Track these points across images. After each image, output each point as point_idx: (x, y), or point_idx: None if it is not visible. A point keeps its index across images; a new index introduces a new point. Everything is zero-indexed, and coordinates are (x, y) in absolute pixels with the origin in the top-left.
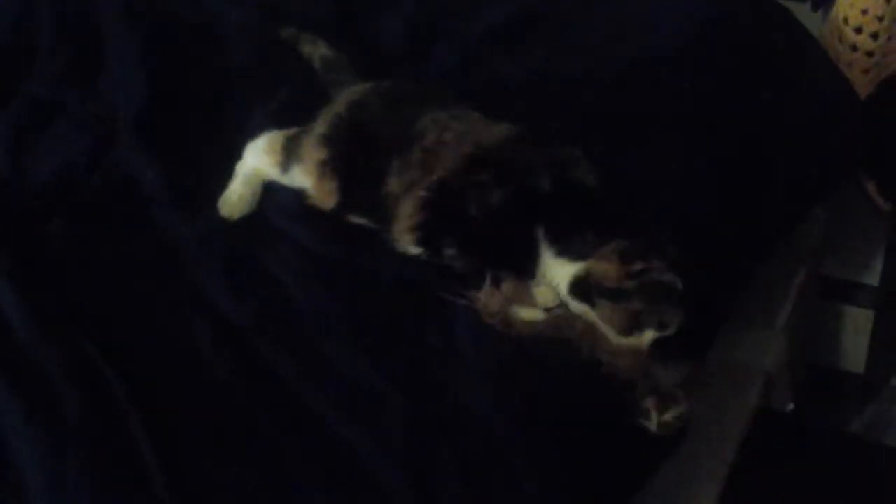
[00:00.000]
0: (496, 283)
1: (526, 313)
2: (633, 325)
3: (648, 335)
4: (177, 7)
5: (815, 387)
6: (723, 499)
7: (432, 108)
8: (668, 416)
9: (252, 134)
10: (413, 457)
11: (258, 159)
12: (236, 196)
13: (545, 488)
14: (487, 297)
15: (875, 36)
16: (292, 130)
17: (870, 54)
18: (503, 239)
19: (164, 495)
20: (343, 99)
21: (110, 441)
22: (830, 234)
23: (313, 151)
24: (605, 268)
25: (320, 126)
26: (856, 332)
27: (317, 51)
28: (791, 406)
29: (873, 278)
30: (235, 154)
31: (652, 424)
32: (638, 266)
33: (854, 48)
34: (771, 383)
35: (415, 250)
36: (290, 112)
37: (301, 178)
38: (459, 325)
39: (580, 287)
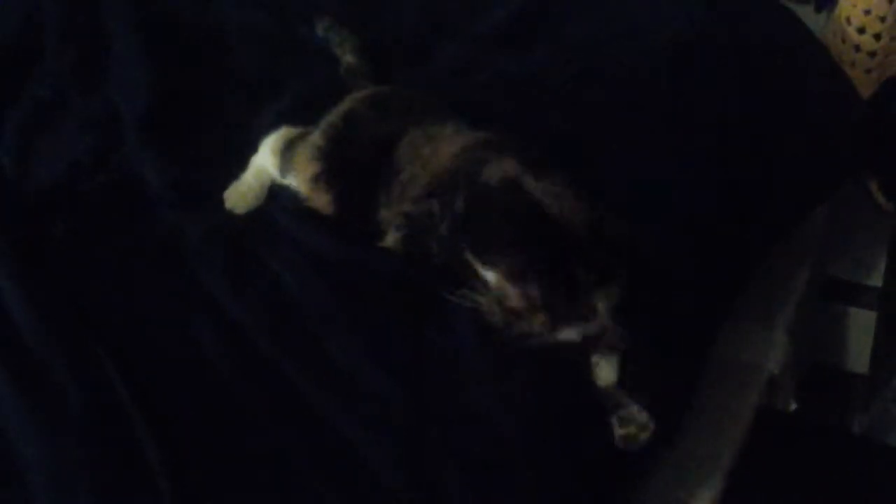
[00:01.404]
0: None
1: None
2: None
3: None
4: (181, 7)
5: (818, 387)
6: (725, 498)
7: (416, 123)
8: (624, 431)
9: (260, 133)
10: (413, 454)
11: (265, 156)
12: (244, 188)
13: (545, 485)
14: (489, 304)
15: (878, 36)
16: (299, 131)
17: (872, 54)
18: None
19: (166, 491)
20: (340, 109)
21: (113, 438)
22: (833, 235)
23: (307, 165)
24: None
25: (317, 137)
26: (859, 332)
27: (344, 54)
28: (794, 406)
29: (876, 279)
30: (239, 153)
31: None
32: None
33: (857, 48)
34: (774, 383)
35: None
36: (299, 111)
37: (296, 185)
38: (460, 322)
39: None
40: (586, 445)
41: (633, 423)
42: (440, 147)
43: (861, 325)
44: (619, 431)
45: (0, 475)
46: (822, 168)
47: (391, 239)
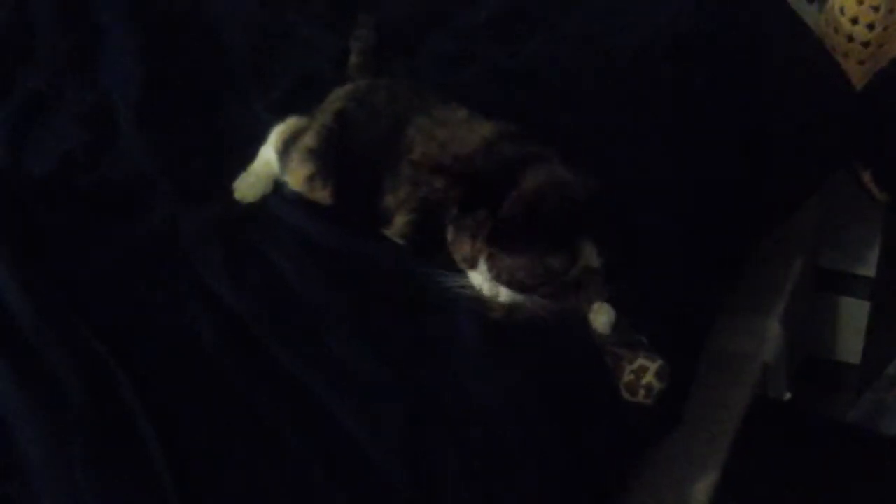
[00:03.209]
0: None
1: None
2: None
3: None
4: None
5: (812, 377)
6: (720, 487)
7: (417, 114)
8: (646, 381)
9: (255, 122)
10: (414, 447)
11: (270, 150)
12: (253, 178)
13: (545, 478)
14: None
15: (871, 26)
16: (304, 122)
17: (866, 45)
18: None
19: (167, 485)
20: (331, 108)
21: (114, 433)
22: (826, 225)
23: (300, 167)
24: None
25: (309, 139)
26: (852, 322)
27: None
28: (787, 395)
29: (869, 269)
30: (233, 143)
31: (621, 384)
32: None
33: (850, 38)
34: (768, 373)
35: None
36: (290, 102)
37: (292, 186)
38: (460, 314)
39: None
40: (586, 438)
41: (647, 370)
42: (460, 131)
43: (854, 315)
44: (640, 383)
45: (1, 469)
46: (813, 158)
47: (399, 223)
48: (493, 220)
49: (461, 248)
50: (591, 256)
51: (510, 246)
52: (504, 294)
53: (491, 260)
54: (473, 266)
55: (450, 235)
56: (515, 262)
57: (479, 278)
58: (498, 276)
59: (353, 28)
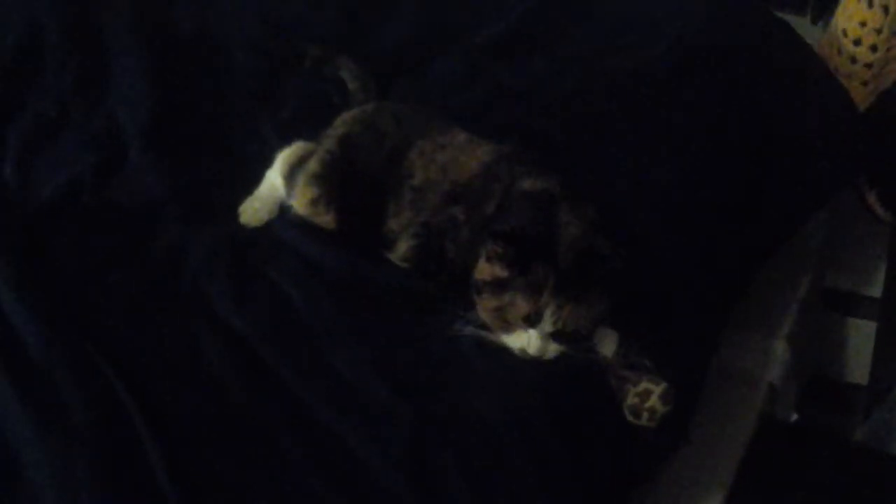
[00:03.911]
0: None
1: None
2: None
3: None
4: (181, 22)
5: (819, 398)
6: None
7: (418, 137)
8: (650, 404)
9: (262, 145)
10: (416, 461)
11: (276, 174)
12: (258, 203)
13: (546, 489)
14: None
15: (874, 48)
16: (310, 147)
17: (868, 66)
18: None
19: (170, 498)
20: (335, 133)
21: (118, 447)
22: (832, 245)
23: (304, 192)
24: (481, 266)
25: (314, 164)
26: (859, 342)
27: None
28: (794, 416)
29: (876, 289)
30: (240, 166)
31: (625, 406)
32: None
33: (853, 60)
34: (775, 393)
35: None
36: (296, 125)
37: (297, 210)
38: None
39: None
40: (591, 457)
41: (652, 393)
42: (460, 155)
43: (861, 335)
44: (644, 406)
45: (5, 482)
46: (817, 178)
47: (402, 248)
48: (555, 273)
49: (520, 308)
50: None
51: (578, 295)
52: (553, 350)
53: (559, 312)
54: (535, 323)
55: (493, 301)
56: (578, 311)
57: (529, 337)
58: (564, 327)
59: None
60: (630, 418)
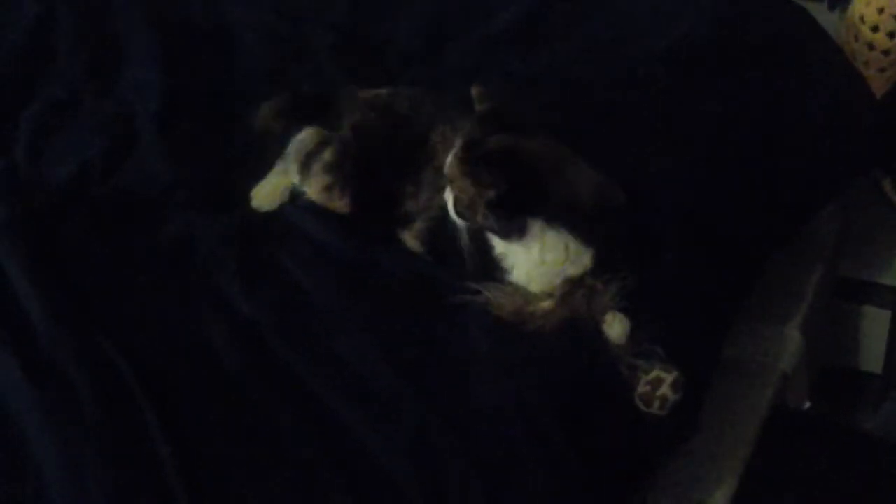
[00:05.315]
0: None
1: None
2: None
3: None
4: (193, 9)
5: (832, 387)
6: (738, 497)
7: (440, 122)
8: (661, 392)
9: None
10: (425, 453)
11: (289, 159)
12: (269, 187)
13: (557, 482)
14: (500, 296)
15: (892, 34)
16: (322, 134)
17: (886, 53)
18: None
19: (178, 487)
20: (349, 121)
21: (127, 437)
22: (847, 234)
23: (318, 179)
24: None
25: (328, 153)
26: (873, 331)
27: None
28: (807, 405)
29: (890, 278)
30: (251, 153)
31: (636, 394)
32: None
33: (870, 47)
34: (787, 382)
35: (420, 249)
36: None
37: (310, 196)
38: (472, 321)
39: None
40: (599, 446)
41: (663, 382)
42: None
43: (875, 324)
44: (655, 394)
45: (14, 470)
46: (833, 166)
47: (416, 229)
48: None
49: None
50: (588, 260)
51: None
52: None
53: (451, 183)
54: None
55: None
56: (461, 185)
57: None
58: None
59: None
60: (641, 406)
